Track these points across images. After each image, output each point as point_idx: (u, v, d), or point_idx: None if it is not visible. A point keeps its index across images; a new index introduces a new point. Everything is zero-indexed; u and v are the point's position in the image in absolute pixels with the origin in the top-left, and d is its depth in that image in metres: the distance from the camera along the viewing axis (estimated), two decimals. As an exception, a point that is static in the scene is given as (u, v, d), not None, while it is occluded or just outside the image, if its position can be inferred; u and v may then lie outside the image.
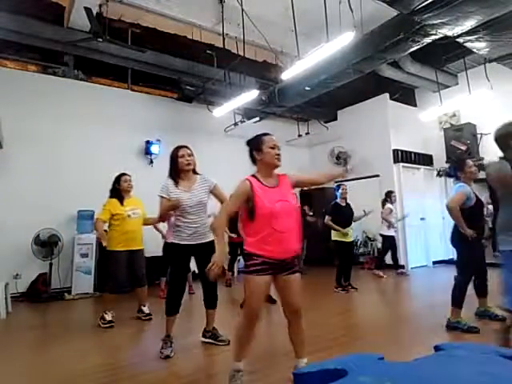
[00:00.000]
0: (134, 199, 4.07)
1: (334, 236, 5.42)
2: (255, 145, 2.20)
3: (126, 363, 2.80)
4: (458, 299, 3.27)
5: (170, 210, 2.94)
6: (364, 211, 6.01)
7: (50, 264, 5.62)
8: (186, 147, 2.98)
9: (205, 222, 2.96)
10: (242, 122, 7.70)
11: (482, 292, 3.49)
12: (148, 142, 7.01)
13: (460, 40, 5.05)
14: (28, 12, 5.14)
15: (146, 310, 4.11)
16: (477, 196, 3.30)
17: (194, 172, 3.00)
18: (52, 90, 6.28)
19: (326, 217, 5.41)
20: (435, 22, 4.29)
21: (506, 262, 2.03)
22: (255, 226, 2.08)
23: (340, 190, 5.48)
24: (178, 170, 2.91)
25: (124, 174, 4.01)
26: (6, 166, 5.65)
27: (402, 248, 7.42)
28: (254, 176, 2.18)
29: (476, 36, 4.98)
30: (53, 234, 5.67)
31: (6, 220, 5.44)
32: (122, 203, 3.92)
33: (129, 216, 3.88)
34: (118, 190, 3.95)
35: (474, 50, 5.51)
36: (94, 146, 6.42)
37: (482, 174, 3.12)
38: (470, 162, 3.40)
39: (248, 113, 7.73)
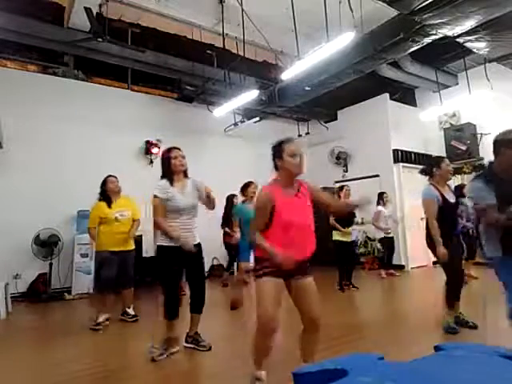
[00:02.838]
0: (123, 200, 4.08)
1: (335, 236, 5.42)
2: (276, 152, 2.18)
3: (126, 364, 2.80)
4: (446, 299, 3.28)
5: (168, 233, 2.78)
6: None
7: (50, 264, 5.62)
8: (179, 149, 2.96)
9: (195, 226, 2.96)
10: (241, 121, 7.69)
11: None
12: (148, 142, 7.01)
13: (460, 40, 5.06)
14: (28, 12, 5.14)
15: (130, 311, 4.05)
16: (444, 196, 3.20)
17: (185, 175, 2.98)
18: (52, 90, 6.28)
19: (330, 217, 5.38)
20: (435, 21, 4.30)
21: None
22: (269, 235, 2.06)
23: (343, 191, 5.47)
24: (172, 171, 2.88)
25: (110, 176, 4.06)
26: (6, 165, 5.65)
27: (402, 248, 7.42)
28: (275, 181, 2.16)
29: (476, 36, 4.99)
30: (53, 234, 5.66)
31: (5, 220, 5.44)
32: (109, 206, 3.94)
33: (116, 219, 3.90)
34: (106, 192, 3.99)
35: (474, 50, 5.52)
36: (94, 146, 6.42)
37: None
38: (447, 160, 3.41)
39: (248, 113, 7.73)
